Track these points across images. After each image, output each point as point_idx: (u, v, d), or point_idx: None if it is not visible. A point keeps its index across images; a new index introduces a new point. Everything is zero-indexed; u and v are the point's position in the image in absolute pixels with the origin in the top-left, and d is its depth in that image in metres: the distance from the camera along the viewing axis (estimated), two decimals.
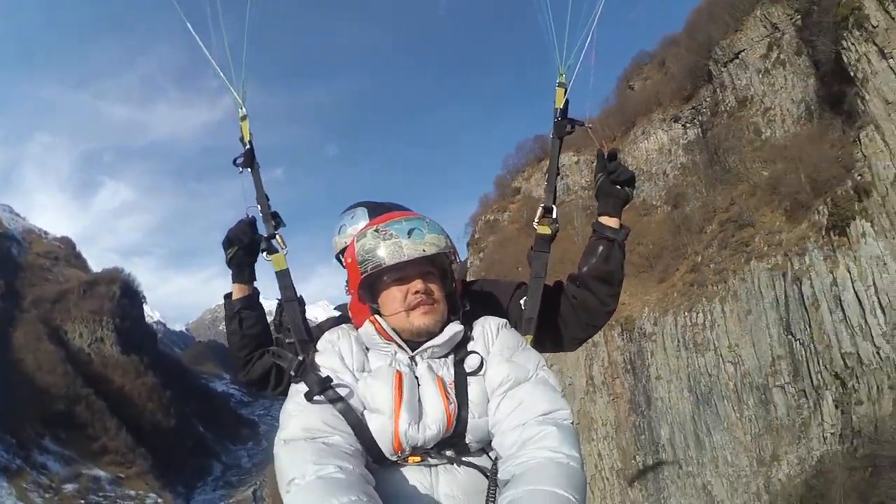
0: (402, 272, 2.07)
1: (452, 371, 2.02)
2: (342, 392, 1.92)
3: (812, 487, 27.48)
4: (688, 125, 50.53)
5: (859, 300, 29.37)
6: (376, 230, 2.07)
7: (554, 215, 2.63)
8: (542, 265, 2.58)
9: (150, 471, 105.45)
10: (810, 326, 30.81)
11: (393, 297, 2.08)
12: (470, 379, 2.00)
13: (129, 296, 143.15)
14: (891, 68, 32.85)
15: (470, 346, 2.11)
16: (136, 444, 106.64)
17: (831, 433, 29.06)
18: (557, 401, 1.87)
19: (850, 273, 29.55)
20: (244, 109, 2.87)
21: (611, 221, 2.50)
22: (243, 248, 2.70)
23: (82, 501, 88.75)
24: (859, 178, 31.29)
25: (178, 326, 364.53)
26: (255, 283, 2.84)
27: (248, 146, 2.85)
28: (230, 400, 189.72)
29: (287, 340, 2.54)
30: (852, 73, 34.25)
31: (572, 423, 1.84)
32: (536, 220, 2.64)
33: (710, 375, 35.85)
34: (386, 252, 2.01)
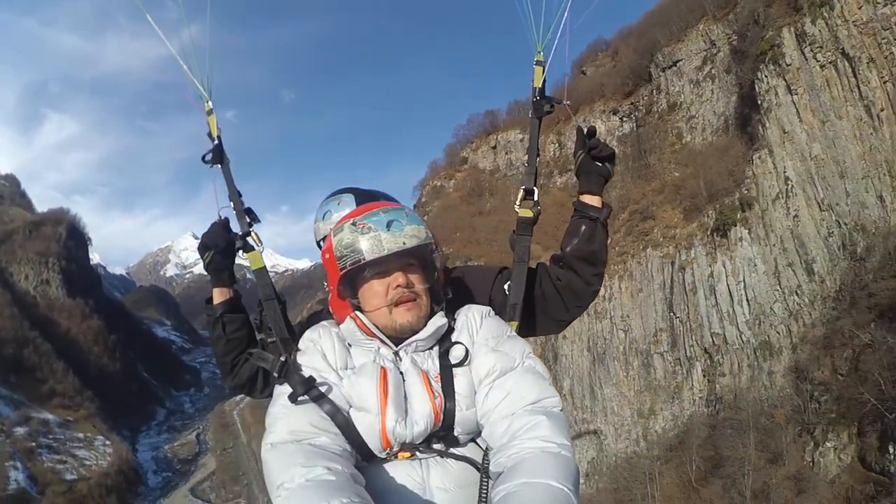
0: (382, 266, 2.01)
1: (437, 363, 1.99)
2: (327, 391, 1.90)
3: (681, 440, 34.79)
4: (624, 119, 56.27)
5: (730, 292, 36.69)
6: (353, 223, 2.02)
7: (535, 198, 2.58)
8: (525, 249, 2.53)
9: (97, 414, 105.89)
10: (688, 308, 38.32)
11: (374, 293, 2.02)
12: (456, 370, 1.97)
13: (74, 237, 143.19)
14: (793, 103, 39.01)
15: (454, 337, 2.07)
16: (82, 388, 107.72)
17: (699, 397, 37.11)
18: (546, 388, 1.86)
19: (725, 269, 36.61)
20: (210, 103, 2.73)
21: (592, 200, 2.47)
22: (219, 251, 2.59)
23: (33, 444, 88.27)
24: (746, 192, 38.03)
25: (118, 270, 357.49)
26: (236, 286, 2.71)
27: (216, 141, 2.70)
28: (172, 346, 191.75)
29: (269, 340, 2.47)
30: (759, 102, 40.29)
31: (561, 409, 1.83)
32: (518, 202, 2.57)
33: (605, 339, 43.29)
34: (365, 246, 1.97)
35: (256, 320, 2.60)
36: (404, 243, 1.98)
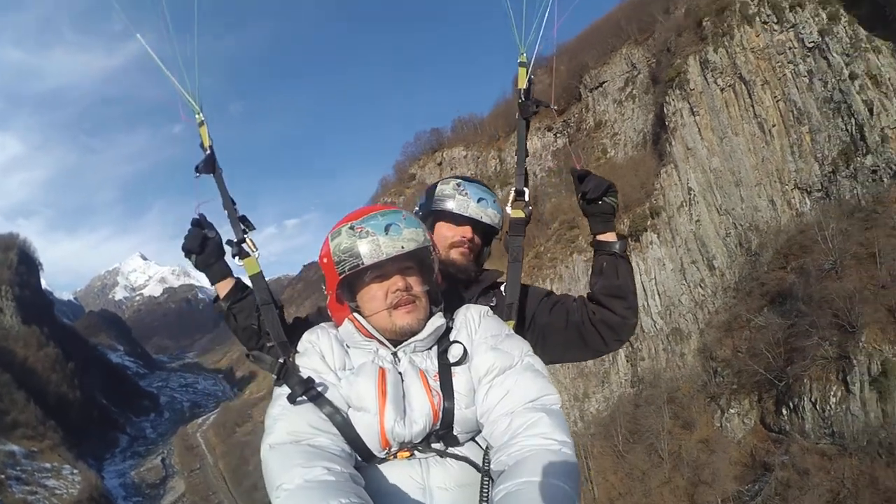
0: (380, 270, 2.04)
1: (436, 363, 2.02)
2: (325, 392, 1.91)
3: (612, 417, 40.04)
4: (558, 135, 61.24)
5: (644, 288, 42.12)
6: (351, 227, 2.02)
7: (526, 198, 2.64)
8: (519, 249, 2.60)
9: (62, 443, 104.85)
10: None
11: (373, 296, 2.05)
12: (455, 369, 1.99)
13: (26, 263, 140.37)
14: (696, 123, 45.01)
15: (453, 336, 2.11)
16: (45, 417, 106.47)
17: (625, 379, 42.73)
18: (545, 386, 1.88)
19: (639, 268, 41.71)
20: (202, 115, 2.76)
21: (606, 237, 2.53)
22: (201, 253, 2.66)
23: (2, 476, 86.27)
24: (655, 202, 43.77)
25: (65, 295, 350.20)
26: (236, 275, 2.74)
27: (208, 151, 2.73)
28: (127, 372, 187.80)
29: (268, 344, 2.49)
30: (667, 123, 46.15)
31: (561, 406, 1.85)
32: (509, 204, 2.65)
33: None
34: (363, 251, 1.97)
35: (254, 325, 2.61)
36: (403, 247, 1.97)
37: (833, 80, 40.95)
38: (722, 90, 44.59)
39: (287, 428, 1.81)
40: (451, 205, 2.62)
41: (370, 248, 1.97)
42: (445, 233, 2.63)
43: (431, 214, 2.66)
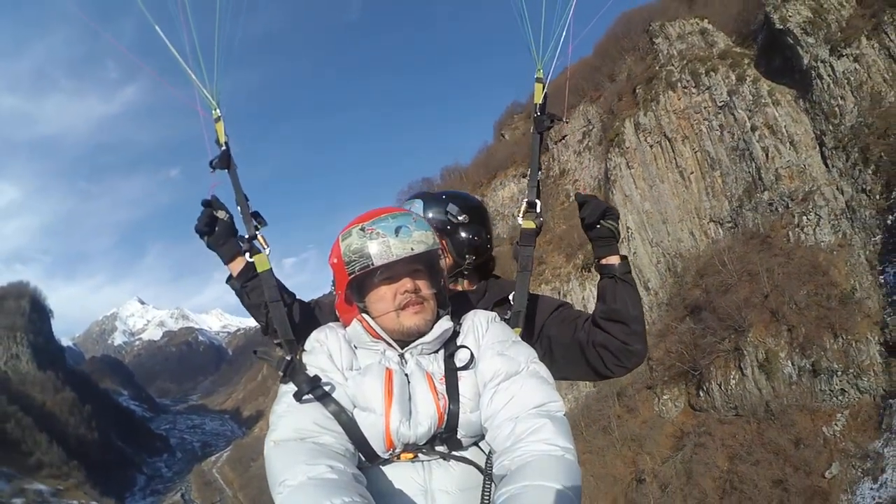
0: (390, 271, 2.12)
1: (442, 366, 2.08)
2: (332, 391, 1.99)
3: (581, 412, 48.21)
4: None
5: None
6: (362, 229, 2.10)
7: (538, 210, 2.74)
8: (529, 259, 2.67)
9: (86, 482, 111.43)
10: None
11: (381, 297, 2.14)
12: (461, 373, 2.06)
13: (37, 310, 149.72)
14: (631, 175, 53.92)
15: (459, 341, 2.18)
16: (67, 458, 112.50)
17: (589, 382, 51.69)
18: (550, 393, 1.94)
19: (591, 293, 50.41)
20: (219, 111, 2.86)
21: (608, 260, 2.64)
22: (212, 233, 2.78)
23: None
24: None
25: (64, 341, 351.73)
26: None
27: (224, 147, 2.84)
28: (135, 415, 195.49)
29: (275, 341, 2.56)
30: (609, 175, 55.17)
31: (565, 414, 1.90)
32: (521, 215, 2.76)
33: None
34: (373, 252, 2.05)
35: (263, 322, 2.69)
36: (412, 249, 2.06)
37: (738, 131, 48.23)
38: (651, 146, 52.92)
39: (292, 425, 1.88)
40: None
41: (380, 249, 2.05)
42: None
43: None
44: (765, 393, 38.01)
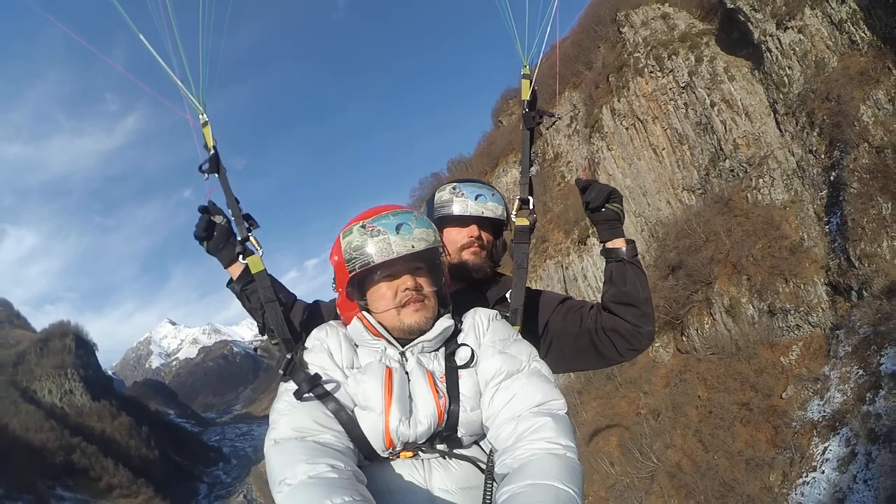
0: (390, 269, 2.16)
1: (443, 364, 2.11)
2: (332, 389, 2.01)
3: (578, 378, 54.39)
4: (531, 166, 77.48)
5: (596, 277, 57.73)
6: (363, 226, 2.14)
7: (531, 206, 2.82)
8: (524, 256, 2.71)
9: (155, 496, 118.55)
10: (575, 291, 58.74)
11: (382, 295, 2.18)
12: (461, 372, 2.08)
13: (82, 346, 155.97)
14: (612, 157, 59.44)
15: (460, 339, 2.21)
16: (135, 477, 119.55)
17: None
18: (551, 391, 1.96)
19: (589, 263, 58.38)
20: (205, 116, 2.90)
21: (614, 244, 2.69)
22: (210, 238, 2.85)
23: None
24: None
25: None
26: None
27: (212, 152, 2.88)
28: (185, 431, 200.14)
29: (272, 341, 2.62)
30: (594, 158, 61.40)
31: (566, 412, 1.92)
32: (514, 212, 2.82)
33: None
34: (374, 249, 2.09)
35: (260, 322, 2.79)
36: (413, 246, 2.10)
37: (700, 108, 52.99)
38: (626, 129, 58.26)
39: (292, 424, 1.90)
40: (451, 209, 2.73)
41: (381, 246, 2.09)
42: (454, 237, 2.75)
43: (436, 223, 2.49)
44: (733, 333, 43.59)
